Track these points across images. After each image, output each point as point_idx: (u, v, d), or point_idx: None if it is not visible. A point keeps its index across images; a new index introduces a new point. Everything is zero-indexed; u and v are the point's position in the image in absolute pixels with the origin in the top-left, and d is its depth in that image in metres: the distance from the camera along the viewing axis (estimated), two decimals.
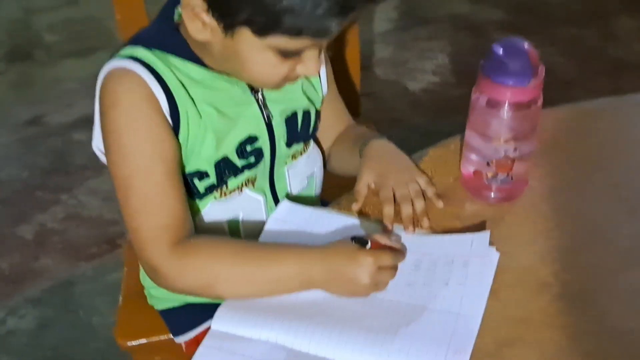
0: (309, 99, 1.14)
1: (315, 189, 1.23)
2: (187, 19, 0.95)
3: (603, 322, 0.91)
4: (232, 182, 1.08)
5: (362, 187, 1.07)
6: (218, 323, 0.91)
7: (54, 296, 2.10)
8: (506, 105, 0.97)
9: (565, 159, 1.16)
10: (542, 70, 0.97)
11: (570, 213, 1.06)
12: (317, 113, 1.17)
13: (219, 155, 1.04)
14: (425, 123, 2.62)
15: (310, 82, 1.15)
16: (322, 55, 1.08)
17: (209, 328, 0.92)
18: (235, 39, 0.93)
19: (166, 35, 1.02)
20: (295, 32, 0.90)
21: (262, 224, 1.06)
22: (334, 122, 1.24)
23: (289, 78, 1.00)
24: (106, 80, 0.99)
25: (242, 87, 1.04)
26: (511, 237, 1.02)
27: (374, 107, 2.78)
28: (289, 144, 1.12)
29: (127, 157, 0.98)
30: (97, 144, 1.05)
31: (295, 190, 1.18)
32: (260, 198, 1.12)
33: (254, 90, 1.06)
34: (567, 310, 0.92)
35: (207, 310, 1.10)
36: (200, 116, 1.01)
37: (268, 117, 1.08)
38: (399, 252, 0.96)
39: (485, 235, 0.99)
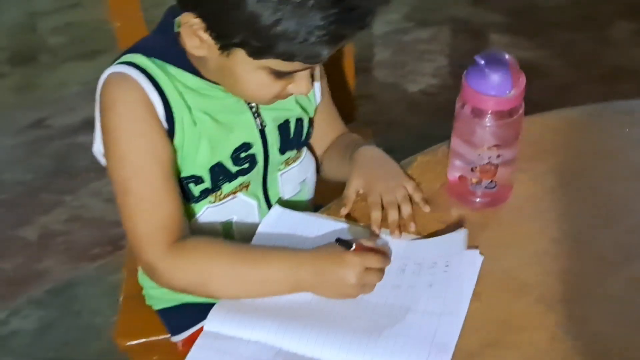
0: (302, 107, 1.17)
1: (307, 195, 1.26)
2: (185, 36, 0.98)
3: (581, 325, 0.93)
4: (227, 187, 1.11)
5: (351, 193, 1.10)
6: (211, 323, 0.94)
7: (56, 297, 2.11)
8: (489, 114, 1.00)
9: (549, 165, 1.18)
10: (522, 80, 1.00)
11: (552, 218, 1.09)
12: (310, 121, 1.20)
13: (213, 161, 1.08)
14: (424, 125, 2.62)
15: None
16: (318, 68, 1.11)
17: (203, 327, 0.95)
18: (230, 58, 0.97)
19: (165, 45, 1.05)
20: (288, 57, 0.93)
21: (255, 227, 1.10)
22: (327, 130, 1.27)
23: (280, 96, 1.04)
24: (105, 85, 1.03)
25: (236, 97, 1.07)
26: (495, 241, 1.04)
27: (373, 109, 2.78)
28: (282, 151, 1.16)
29: (123, 159, 1.02)
30: (98, 148, 1.09)
31: (287, 196, 1.21)
32: (254, 203, 1.16)
33: None
34: (547, 313, 0.94)
35: (202, 310, 1.13)
36: (195, 123, 1.05)
37: (261, 124, 1.11)
38: (385, 254, 0.99)
39: (462, 233, 1.02)
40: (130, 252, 1.43)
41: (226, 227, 1.15)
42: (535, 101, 2.74)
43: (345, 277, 0.94)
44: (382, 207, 1.07)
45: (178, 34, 1.04)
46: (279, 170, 1.18)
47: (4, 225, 2.36)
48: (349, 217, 1.09)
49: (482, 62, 0.98)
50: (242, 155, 1.10)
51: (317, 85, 1.20)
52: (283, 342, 0.90)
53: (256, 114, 1.11)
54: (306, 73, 1.01)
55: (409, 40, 3.21)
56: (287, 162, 1.19)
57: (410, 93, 2.90)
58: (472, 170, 1.06)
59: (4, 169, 2.59)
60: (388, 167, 1.13)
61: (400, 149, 2.37)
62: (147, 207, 1.02)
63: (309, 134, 1.20)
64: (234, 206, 1.14)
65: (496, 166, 1.04)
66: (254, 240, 1.06)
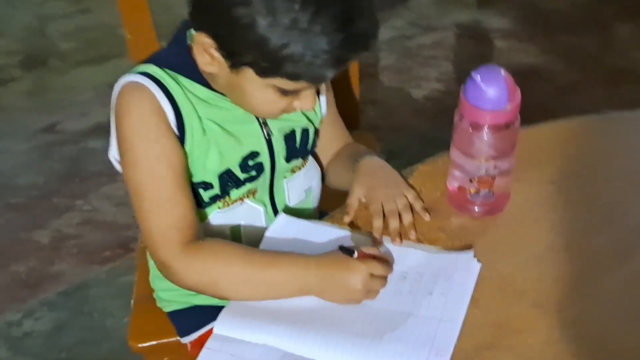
0: (308, 118, 1.21)
1: (313, 202, 1.30)
2: (197, 53, 1.03)
3: (574, 329, 0.96)
4: (235, 193, 1.16)
5: (353, 201, 1.13)
6: (220, 327, 0.97)
7: (69, 299, 2.14)
8: (485, 127, 1.03)
9: (545, 175, 1.21)
10: (518, 94, 1.03)
11: (547, 226, 1.12)
12: (316, 131, 1.24)
13: (222, 168, 1.12)
14: (428, 130, 2.65)
15: None
16: (323, 85, 1.16)
17: (212, 329, 0.98)
18: (239, 75, 1.02)
19: (178, 57, 1.10)
20: (294, 77, 0.98)
21: (261, 232, 1.13)
22: (332, 140, 1.31)
23: (285, 111, 1.09)
24: (120, 93, 1.08)
25: (243, 110, 1.12)
26: (492, 248, 1.07)
27: (378, 113, 2.81)
28: (288, 159, 1.20)
29: (138, 164, 1.06)
30: (114, 154, 1.13)
31: (293, 202, 1.25)
32: (261, 208, 1.20)
33: None
34: (541, 317, 0.97)
35: (211, 313, 1.18)
36: (205, 132, 1.09)
37: (268, 134, 1.16)
38: (387, 262, 1.03)
39: (468, 255, 1.05)
40: (141, 255, 1.47)
41: (234, 232, 1.19)
42: (540, 104, 2.80)
43: (351, 283, 0.98)
44: (384, 216, 1.10)
45: (191, 47, 1.09)
46: (285, 177, 1.22)
47: (17, 228, 2.39)
48: (352, 225, 1.13)
49: (479, 77, 1.01)
50: (250, 163, 1.14)
51: (323, 97, 1.25)
52: (289, 345, 0.93)
53: (263, 124, 1.15)
54: (311, 91, 1.06)
55: (413, 46, 3.23)
56: (292, 170, 1.23)
57: (415, 98, 2.92)
58: (470, 180, 1.09)
59: (17, 173, 2.62)
60: (389, 177, 1.17)
61: (405, 153, 2.42)
62: (161, 209, 1.06)
63: (314, 143, 1.25)
64: (241, 211, 1.18)
65: (493, 177, 1.08)
66: (262, 246, 1.10)
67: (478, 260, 1.04)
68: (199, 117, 1.09)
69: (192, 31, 1.09)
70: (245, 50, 0.97)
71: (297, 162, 1.23)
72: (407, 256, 1.06)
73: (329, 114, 1.28)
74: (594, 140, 1.31)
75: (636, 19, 3.31)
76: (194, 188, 1.12)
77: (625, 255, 1.07)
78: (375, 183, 1.15)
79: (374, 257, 1.01)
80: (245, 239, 1.20)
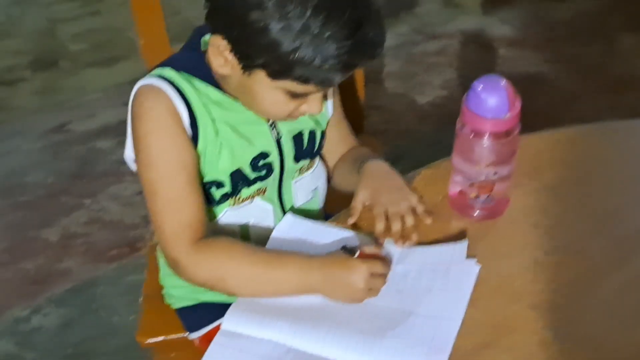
0: (315, 120, 1.25)
1: (319, 202, 1.33)
2: (211, 55, 1.07)
3: (570, 330, 0.99)
4: (245, 192, 1.19)
5: (358, 204, 1.16)
6: (228, 323, 1.01)
7: (76, 296, 2.17)
8: (486, 134, 1.07)
9: (544, 181, 1.24)
10: (518, 103, 1.07)
11: (545, 230, 1.15)
12: (323, 133, 1.28)
13: (233, 168, 1.16)
14: (432, 135, 2.68)
15: None
16: (331, 89, 1.19)
17: (219, 325, 1.02)
18: (251, 77, 1.06)
19: (192, 61, 1.14)
20: (304, 80, 1.02)
21: (269, 230, 1.17)
22: (338, 143, 1.34)
23: (293, 115, 1.12)
24: (137, 95, 1.12)
25: (252, 112, 1.15)
26: (491, 251, 1.10)
27: (383, 119, 2.83)
28: (296, 160, 1.24)
29: (152, 163, 1.10)
30: (129, 154, 1.17)
31: (300, 202, 1.29)
32: (269, 207, 1.24)
33: None
34: (538, 318, 1.00)
35: (218, 309, 1.23)
36: (217, 133, 1.13)
37: (277, 135, 1.19)
38: (387, 261, 1.06)
39: (463, 244, 1.09)
40: (151, 253, 1.50)
41: (243, 229, 1.23)
42: (543, 112, 2.82)
43: (353, 282, 1.01)
44: (387, 218, 1.13)
45: (204, 52, 1.13)
46: (293, 178, 1.26)
47: (26, 226, 2.42)
48: (355, 227, 1.15)
49: (480, 87, 1.05)
50: (260, 163, 1.18)
51: (330, 101, 1.28)
52: (294, 341, 0.97)
53: (272, 126, 1.19)
54: (319, 95, 1.10)
55: (418, 52, 3.25)
56: (300, 171, 1.26)
57: (419, 104, 2.94)
58: (471, 185, 1.13)
59: (26, 172, 2.65)
60: (393, 181, 1.20)
61: (409, 157, 2.45)
62: (173, 207, 1.10)
63: (321, 145, 1.28)
64: (251, 210, 1.22)
65: (493, 182, 1.11)
66: (268, 245, 1.13)
67: (477, 262, 1.06)
68: (212, 119, 1.13)
69: (206, 37, 1.13)
70: (257, 53, 1.01)
71: (304, 162, 1.26)
72: (408, 255, 1.10)
73: (335, 116, 1.31)
74: (593, 148, 1.34)
75: None
76: (206, 187, 1.16)
77: (621, 261, 1.09)
78: (379, 187, 1.18)
79: (375, 257, 1.05)
80: (253, 236, 1.23)
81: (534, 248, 1.12)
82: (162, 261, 1.31)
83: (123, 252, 2.31)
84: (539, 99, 2.88)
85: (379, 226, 1.13)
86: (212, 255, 1.08)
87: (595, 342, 0.98)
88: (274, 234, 1.15)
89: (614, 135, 1.37)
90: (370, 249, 1.06)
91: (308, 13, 0.96)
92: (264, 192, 1.22)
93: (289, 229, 1.16)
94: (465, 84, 3.01)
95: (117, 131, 2.73)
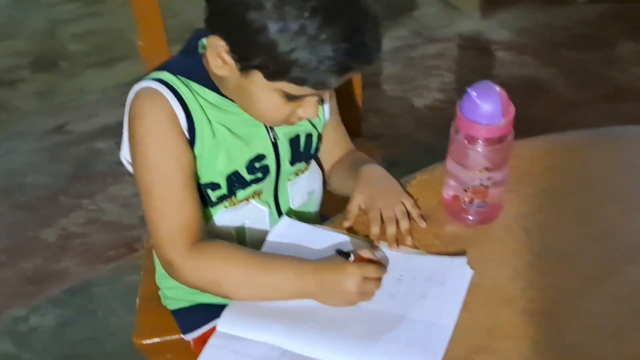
0: (311, 123, 1.26)
1: (315, 205, 1.34)
2: (210, 57, 1.08)
3: (561, 336, 0.99)
4: (241, 194, 1.20)
5: (353, 207, 1.17)
6: (223, 325, 1.01)
7: (74, 296, 2.18)
8: (480, 140, 1.08)
9: (537, 187, 1.25)
10: (512, 110, 1.07)
11: (538, 236, 1.16)
12: (319, 136, 1.29)
13: (230, 170, 1.16)
14: (429, 139, 2.69)
15: None
16: (327, 94, 1.20)
17: (214, 327, 1.02)
18: (248, 78, 1.06)
19: (190, 64, 1.15)
20: (300, 82, 1.03)
21: (265, 231, 1.18)
22: (334, 147, 1.35)
23: (289, 120, 1.13)
24: (135, 98, 1.12)
25: (249, 115, 1.16)
26: (485, 256, 1.11)
27: (381, 122, 2.84)
28: (292, 163, 1.24)
29: (149, 166, 1.11)
30: (125, 155, 1.17)
31: (296, 204, 1.29)
32: (265, 209, 1.24)
33: None
34: (530, 324, 1.01)
35: (213, 311, 1.23)
36: (214, 135, 1.14)
37: (274, 138, 1.20)
38: (381, 265, 1.07)
39: (462, 260, 1.09)
40: (147, 255, 1.51)
41: (239, 231, 1.23)
42: (540, 119, 2.83)
43: (346, 286, 1.02)
44: (382, 222, 1.14)
45: (202, 55, 1.14)
46: (289, 180, 1.27)
47: (25, 226, 2.43)
48: (351, 230, 1.17)
49: (474, 93, 1.06)
50: (257, 165, 1.19)
51: (327, 104, 1.29)
52: (288, 344, 0.97)
53: (270, 129, 1.20)
54: (314, 99, 1.10)
55: (417, 56, 3.26)
56: (296, 173, 1.27)
57: (417, 107, 2.95)
58: (465, 190, 1.13)
59: (25, 173, 2.66)
60: (389, 185, 1.21)
61: (406, 161, 2.45)
62: (169, 210, 1.10)
63: (317, 148, 1.29)
64: (246, 211, 1.22)
65: (487, 187, 1.12)
66: (264, 248, 1.14)
67: (471, 267, 1.08)
68: (209, 121, 1.13)
69: (204, 40, 1.14)
70: (255, 54, 1.02)
71: (300, 165, 1.27)
72: (402, 260, 1.10)
73: (332, 120, 1.32)
74: (588, 155, 1.34)
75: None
76: (202, 188, 1.16)
77: (612, 269, 1.10)
78: (374, 191, 1.19)
79: (369, 260, 1.06)
80: (249, 238, 1.24)
81: (527, 254, 1.13)
82: (158, 262, 1.31)
83: (121, 252, 2.32)
84: (537, 104, 2.89)
85: (374, 230, 1.13)
86: (207, 259, 1.09)
87: (585, 350, 0.98)
88: (269, 237, 1.16)
89: (609, 143, 1.38)
90: (364, 253, 1.06)
91: (306, 14, 0.97)
92: (260, 194, 1.22)
93: (285, 232, 1.16)
94: (462, 88, 2.99)
95: (116, 132, 2.69)
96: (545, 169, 1.29)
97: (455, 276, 1.07)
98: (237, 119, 1.16)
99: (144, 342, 1.38)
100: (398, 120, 2.88)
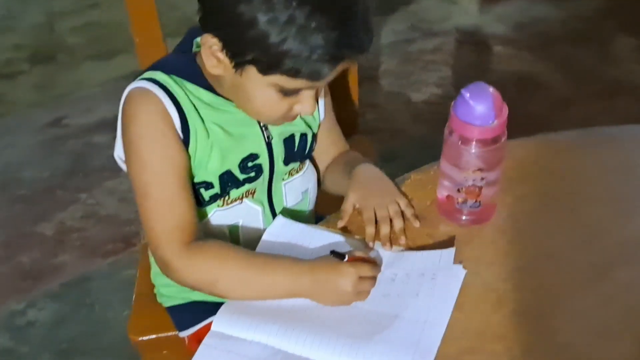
0: (306, 123, 1.27)
1: (309, 204, 1.35)
2: (205, 56, 1.09)
3: (552, 337, 1.00)
4: (234, 193, 1.20)
5: (348, 207, 1.18)
6: (218, 325, 1.02)
7: (71, 291, 2.18)
8: (474, 141, 1.08)
9: (531, 187, 1.25)
10: (505, 111, 1.08)
11: (531, 237, 1.16)
12: (314, 136, 1.29)
13: (223, 169, 1.17)
14: (426, 135, 2.68)
15: None
16: (322, 88, 1.20)
17: (209, 324, 1.03)
18: (243, 75, 1.07)
19: (183, 64, 1.16)
20: (293, 73, 1.03)
21: (259, 231, 1.19)
22: (329, 146, 1.35)
23: (286, 117, 1.13)
24: (128, 99, 1.13)
25: (246, 114, 1.17)
26: (477, 257, 1.12)
27: (378, 117, 2.84)
28: (286, 162, 1.25)
29: (144, 166, 1.11)
30: (119, 153, 1.18)
31: (290, 204, 1.30)
32: (259, 208, 1.25)
33: None
34: (522, 325, 1.02)
35: (208, 308, 1.25)
36: (208, 134, 1.14)
37: (268, 137, 1.21)
38: (375, 264, 1.08)
39: (451, 251, 1.10)
40: (143, 251, 1.52)
41: (233, 230, 1.24)
42: (534, 113, 2.83)
43: (341, 285, 1.03)
44: (376, 222, 1.15)
45: (196, 53, 1.15)
46: (283, 179, 1.27)
47: (22, 220, 2.43)
48: (346, 230, 1.17)
49: (468, 94, 1.06)
50: (250, 164, 1.19)
51: (322, 102, 1.29)
52: (282, 344, 0.98)
53: (264, 128, 1.20)
54: (311, 93, 1.10)
55: (414, 50, 3.26)
56: (290, 173, 1.28)
57: (414, 102, 2.95)
58: (458, 190, 1.14)
59: (23, 167, 2.66)
60: (383, 185, 1.22)
61: (403, 156, 2.46)
62: (164, 210, 1.11)
63: (312, 148, 1.29)
64: (240, 211, 1.23)
65: (480, 188, 1.13)
66: (259, 248, 1.14)
67: (463, 267, 1.08)
68: (203, 121, 1.14)
69: (198, 39, 1.14)
70: (247, 48, 1.02)
71: (295, 165, 1.27)
72: (395, 259, 1.11)
73: (327, 119, 1.32)
74: (582, 155, 1.35)
75: (636, 32, 3.32)
76: (196, 187, 1.17)
77: (605, 271, 1.10)
78: (369, 191, 1.20)
79: (364, 260, 1.06)
80: (243, 237, 1.25)
81: (520, 255, 1.13)
82: (153, 260, 1.32)
83: (118, 247, 2.33)
84: (531, 100, 2.89)
85: (368, 230, 1.14)
86: (202, 258, 1.09)
87: (576, 350, 0.99)
88: (265, 237, 1.16)
89: (602, 143, 1.38)
90: (359, 253, 1.07)
91: (294, 4, 0.97)
92: (254, 193, 1.23)
93: (280, 232, 1.17)
94: (460, 83, 3.00)
95: (114, 126, 2.66)
96: (538, 169, 1.30)
97: (445, 269, 1.08)
98: (231, 118, 1.16)
99: (140, 338, 1.39)
100: (395, 115, 2.89)
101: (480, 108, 1.06)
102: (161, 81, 1.12)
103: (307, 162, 1.32)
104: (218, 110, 1.16)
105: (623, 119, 2.73)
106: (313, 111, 1.14)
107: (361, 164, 1.26)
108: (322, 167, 1.37)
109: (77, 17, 3.55)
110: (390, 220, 1.16)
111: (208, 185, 1.17)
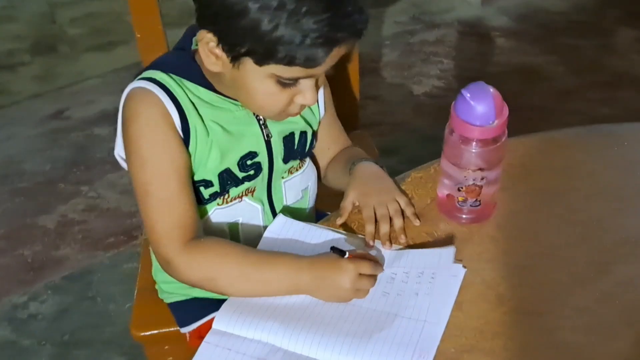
0: (306, 121, 1.27)
1: (309, 202, 1.35)
2: (203, 54, 1.09)
3: (551, 334, 1.01)
4: (234, 191, 1.21)
5: (347, 204, 1.19)
6: (219, 322, 1.03)
7: (73, 283, 2.20)
8: (474, 141, 1.09)
9: (531, 185, 1.25)
10: (505, 111, 1.08)
11: (531, 235, 1.17)
12: (314, 133, 1.29)
13: (222, 167, 1.17)
14: (427, 127, 2.69)
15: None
16: (321, 78, 1.20)
17: (210, 320, 1.04)
18: (240, 69, 1.07)
19: (182, 62, 1.16)
20: (289, 61, 1.02)
21: (259, 229, 1.20)
22: (329, 143, 1.35)
23: (289, 111, 1.13)
24: (128, 98, 1.13)
25: (246, 109, 1.17)
26: (477, 255, 1.12)
27: (379, 109, 2.84)
28: (285, 160, 1.25)
29: (144, 165, 1.11)
30: (119, 152, 1.18)
31: (290, 202, 1.30)
32: (258, 206, 1.25)
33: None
34: (521, 323, 1.02)
35: (209, 305, 1.25)
36: (208, 133, 1.14)
37: (268, 135, 1.21)
38: (377, 262, 1.08)
39: (450, 250, 1.11)
40: (145, 246, 1.52)
41: (232, 228, 1.25)
42: (537, 106, 2.83)
43: (340, 282, 1.03)
44: (376, 220, 1.15)
45: (195, 51, 1.15)
46: (283, 177, 1.27)
47: (24, 213, 2.45)
48: (346, 228, 1.18)
49: (468, 94, 1.06)
50: (248, 162, 1.20)
51: (321, 99, 1.29)
52: (282, 342, 0.99)
53: (263, 126, 1.20)
54: (310, 83, 1.10)
55: (416, 42, 3.26)
56: (290, 171, 1.28)
57: (416, 95, 2.95)
58: (458, 189, 1.14)
59: (24, 159, 2.67)
60: (383, 183, 1.22)
61: (404, 149, 2.46)
62: (165, 208, 1.11)
63: (312, 146, 1.29)
64: (239, 209, 1.23)
65: (480, 187, 1.13)
66: (260, 246, 1.15)
67: (463, 266, 1.09)
68: (202, 119, 1.14)
69: (197, 36, 1.14)
70: (241, 39, 1.02)
71: (294, 163, 1.28)
72: (395, 258, 1.12)
73: (327, 116, 1.32)
74: (582, 153, 1.35)
75: (638, 23, 3.32)
76: (195, 186, 1.17)
77: (603, 267, 1.11)
78: (369, 189, 1.20)
79: (365, 258, 1.07)
80: (243, 235, 1.25)
81: (519, 252, 1.14)
82: (154, 257, 1.32)
83: (120, 240, 2.34)
84: (534, 91, 2.89)
85: (368, 228, 1.14)
86: (203, 256, 1.10)
87: (575, 348, 1.00)
88: (265, 235, 1.17)
89: (602, 140, 1.38)
90: (360, 251, 1.07)
91: None
92: (253, 191, 1.23)
93: (281, 230, 1.18)
94: (461, 75, 3.04)
95: (115, 119, 2.66)
96: (538, 166, 1.30)
97: (445, 269, 1.08)
98: (230, 117, 1.17)
99: (142, 333, 1.40)
100: (396, 108, 2.88)
101: (480, 108, 1.06)
102: (161, 80, 1.12)
103: (307, 160, 1.32)
104: (217, 109, 1.16)
105: (625, 110, 2.74)
106: (314, 102, 1.14)
107: (362, 161, 1.26)
108: (322, 164, 1.37)
109: (77, 7, 3.55)
110: (390, 219, 1.16)
111: (207, 184, 1.18)
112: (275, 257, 1.09)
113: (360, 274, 1.04)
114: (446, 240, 1.15)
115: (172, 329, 1.39)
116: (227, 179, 1.18)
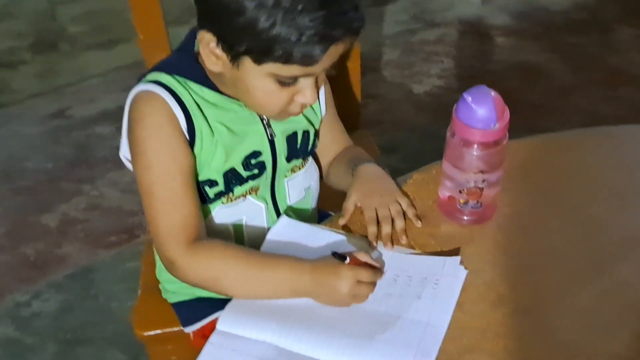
0: (308, 120, 1.28)
1: (311, 201, 1.36)
2: (204, 55, 1.10)
3: (551, 335, 1.01)
4: (238, 190, 1.22)
5: (350, 205, 1.20)
6: (223, 323, 1.04)
7: (75, 282, 2.20)
8: (475, 144, 1.09)
9: (532, 186, 1.26)
10: (507, 114, 1.09)
11: (531, 236, 1.18)
12: (316, 132, 1.30)
13: (227, 167, 1.18)
14: (427, 126, 2.69)
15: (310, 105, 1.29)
16: (321, 77, 1.21)
17: (214, 320, 1.05)
18: (240, 69, 1.08)
19: (186, 64, 1.17)
20: (286, 59, 1.03)
21: (262, 227, 1.21)
22: (331, 142, 1.36)
23: (290, 110, 1.14)
24: (134, 101, 1.14)
25: (251, 110, 1.18)
26: (478, 256, 1.13)
27: (380, 108, 2.84)
28: (288, 159, 1.26)
29: (150, 167, 1.12)
30: (125, 154, 1.19)
31: (293, 200, 1.31)
32: (262, 205, 1.26)
33: None
34: (521, 323, 1.03)
35: (212, 305, 1.26)
36: (213, 133, 1.15)
37: (271, 135, 1.22)
38: (377, 269, 1.09)
39: (455, 260, 1.11)
40: (147, 245, 1.53)
41: (236, 227, 1.25)
42: (537, 104, 2.84)
43: (338, 287, 1.04)
44: (378, 222, 1.16)
45: (198, 53, 1.16)
46: (286, 176, 1.28)
47: (26, 211, 2.45)
48: (348, 229, 1.19)
49: (470, 98, 1.07)
50: (253, 161, 1.21)
51: (322, 99, 1.30)
52: (286, 343, 1.00)
53: (267, 126, 1.21)
54: (309, 82, 1.10)
55: (416, 41, 3.26)
56: (293, 170, 1.29)
57: (416, 93, 2.95)
58: (460, 191, 1.15)
59: (26, 157, 2.67)
60: (385, 184, 1.23)
61: (405, 148, 2.47)
62: (169, 209, 1.12)
63: (314, 144, 1.31)
64: (243, 207, 1.24)
65: (482, 189, 1.14)
66: (263, 248, 1.16)
67: (465, 267, 1.09)
68: (207, 120, 1.15)
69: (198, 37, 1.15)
70: (239, 38, 1.03)
71: (297, 162, 1.29)
72: (398, 260, 1.12)
73: (328, 115, 1.33)
74: (581, 154, 1.36)
75: (638, 21, 3.33)
76: (200, 185, 1.18)
77: (604, 267, 1.12)
78: (371, 190, 1.21)
79: (365, 264, 1.07)
80: (246, 234, 1.26)
81: (520, 253, 1.15)
82: (158, 257, 1.33)
83: (122, 238, 2.34)
84: (534, 89, 2.90)
85: (370, 230, 1.15)
86: (206, 257, 1.11)
87: (575, 347, 1.00)
88: (269, 236, 1.18)
89: (602, 141, 1.39)
90: (361, 257, 1.08)
91: None
92: (257, 190, 1.24)
93: (284, 232, 1.18)
94: (462, 74, 3.05)
95: (116, 117, 2.68)
96: (539, 168, 1.31)
97: (449, 276, 1.09)
98: (235, 117, 1.18)
99: (145, 333, 1.41)
100: (397, 107, 2.89)
101: (482, 111, 1.07)
102: (166, 83, 1.13)
103: (310, 159, 1.33)
104: (222, 109, 1.17)
105: (625, 107, 2.75)
106: (315, 100, 1.14)
107: (364, 163, 1.27)
108: (324, 163, 1.38)
109: (78, 5, 3.54)
110: (392, 220, 1.17)
111: (212, 183, 1.19)
112: (278, 260, 1.09)
113: (358, 281, 1.05)
114: (448, 241, 1.16)
115: (176, 328, 1.39)
116: (232, 178, 1.20)
